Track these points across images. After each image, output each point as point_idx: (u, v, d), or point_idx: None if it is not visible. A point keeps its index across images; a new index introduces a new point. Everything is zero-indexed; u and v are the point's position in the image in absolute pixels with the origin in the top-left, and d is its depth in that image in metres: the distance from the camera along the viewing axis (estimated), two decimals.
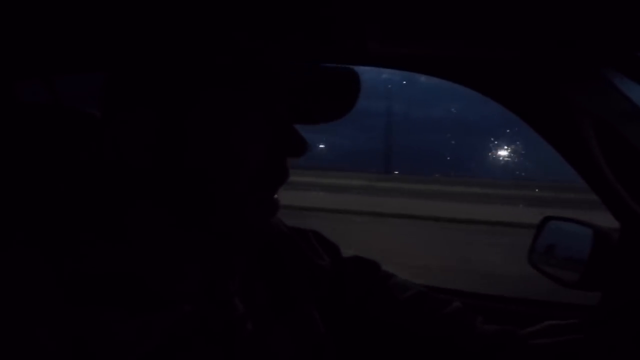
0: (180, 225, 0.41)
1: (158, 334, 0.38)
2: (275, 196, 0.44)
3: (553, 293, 0.88)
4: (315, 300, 0.57)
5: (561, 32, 0.64)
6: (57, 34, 0.78)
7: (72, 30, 0.76)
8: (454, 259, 4.52)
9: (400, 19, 0.64)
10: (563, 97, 0.71)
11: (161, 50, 0.40)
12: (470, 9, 0.59)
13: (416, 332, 0.62)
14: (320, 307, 0.57)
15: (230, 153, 0.39)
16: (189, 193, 0.40)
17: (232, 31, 0.41)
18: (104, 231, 0.40)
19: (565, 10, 0.57)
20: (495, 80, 0.75)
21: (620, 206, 0.71)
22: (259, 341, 0.46)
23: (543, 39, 0.66)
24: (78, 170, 0.48)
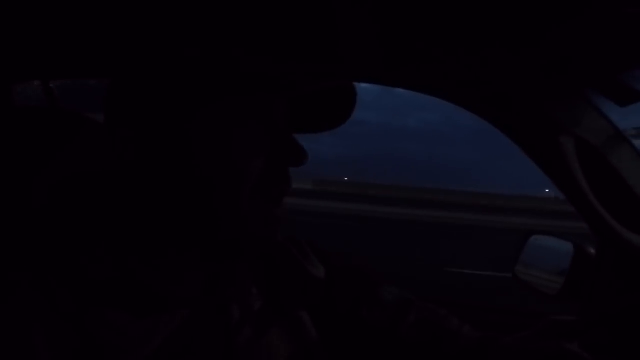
0: (184, 236, 0.42)
1: (160, 337, 0.39)
2: (280, 203, 0.44)
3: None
4: (308, 307, 0.58)
5: (546, 53, 0.66)
6: (57, 38, 0.79)
7: (72, 35, 0.77)
8: None
9: (399, 37, 0.66)
10: (546, 116, 0.73)
11: (160, 61, 0.41)
12: (461, 28, 0.62)
13: (404, 337, 0.63)
14: (313, 314, 0.58)
15: (231, 164, 0.40)
16: (191, 205, 0.40)
17: (234, 48, 0.42)
18: (108, 237, 0.41)
19: (550, 32, 0.60)
20: (482, 98, 0.78)
21: (599, 222, 0.74)
22: (254, 347, 0.47)
23: (529, 60, 0.69)
24: (81, 178, 0.49)
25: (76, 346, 0.35)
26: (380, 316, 0.64)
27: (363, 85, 0.50)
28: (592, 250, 0.77)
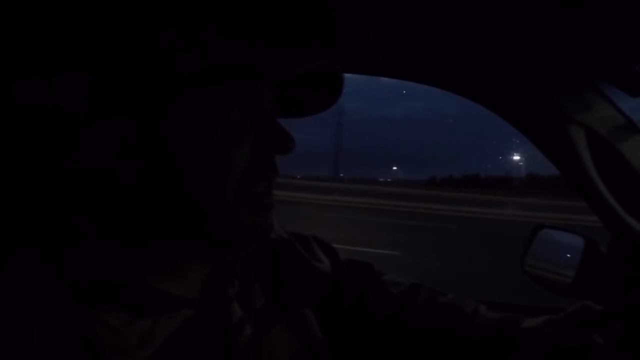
0: (175, 232, 0.41)
1: (160, 337, 0.38)
2: (269, 192, 0.43)
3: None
4: (313, 302, 0.58)
5: (558, 43, 0.65)
6: (57, 35, 0.78)
7: (71, 32, 0.76)
8: None
9: (402, 28, 0.65)
10: (557, 106, 0.72)
11: (136, 51, 0.39)
12: (470, 18, 0.60)
13: (415, 323, 0.62)
14: (321, 308, 0.58)
15: (215, 154, 0.38)
16: (178, 199, 0.39)
17: (210, 29, 0.40)
18: (104, 236, 0.40)
19: (561, 22, 0.58)
20: (492, 91, 0.76)
21: (611, 215, 0.73)
22: (256, 345, 0.47)
23: (540, 51, 0.67)
24: (81, 175, 0.48)
25: (75, 347, 0.34)
26: (388, 303, 0.63)
27: (347, 75, 0.48)
28: (603, 244, 0.76)
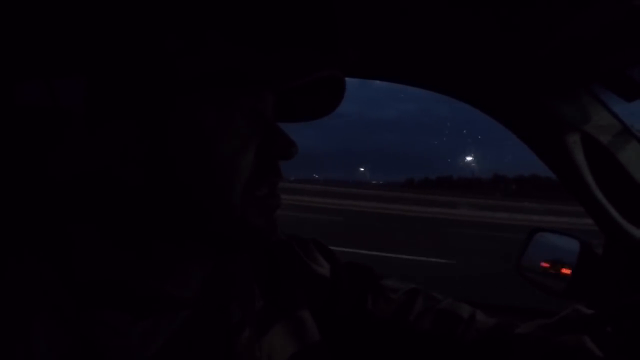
0: (177, 234, 0.40)
1: (161, 338, 0.39)
2: (274, 194, 0.43)
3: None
4: (312, 306, 0.58)
5: (553, 48, 0.65)
6: (57, 37, 0.78)
7: (72, 33, 0.76)
8: None
9: (400, 32, 0.65)
10: (552, 112, 0.72)
11: (137, 52, 0.38)
12: (467, 23, 0.61)
13: (413, 327, 0.63)
14: (319, 311, 0.58)
15: (221, 160, 0.38)
16: (181, 202, 0.39)
17: (224, 41, 0.39)
18: (105, 237, 0.40)
19: (557, 27, 0.59)
20: (489, 95, 0.77)
21: (606, 219, 0.73)
22: (255, 347, 0.47)
23: (535, 55, 0.68)
24: (80, 177, 0.48)
25: (76, 348, 0.34)
26: (387, 308, 0.64)
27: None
28: (599, 247, 0.76)
